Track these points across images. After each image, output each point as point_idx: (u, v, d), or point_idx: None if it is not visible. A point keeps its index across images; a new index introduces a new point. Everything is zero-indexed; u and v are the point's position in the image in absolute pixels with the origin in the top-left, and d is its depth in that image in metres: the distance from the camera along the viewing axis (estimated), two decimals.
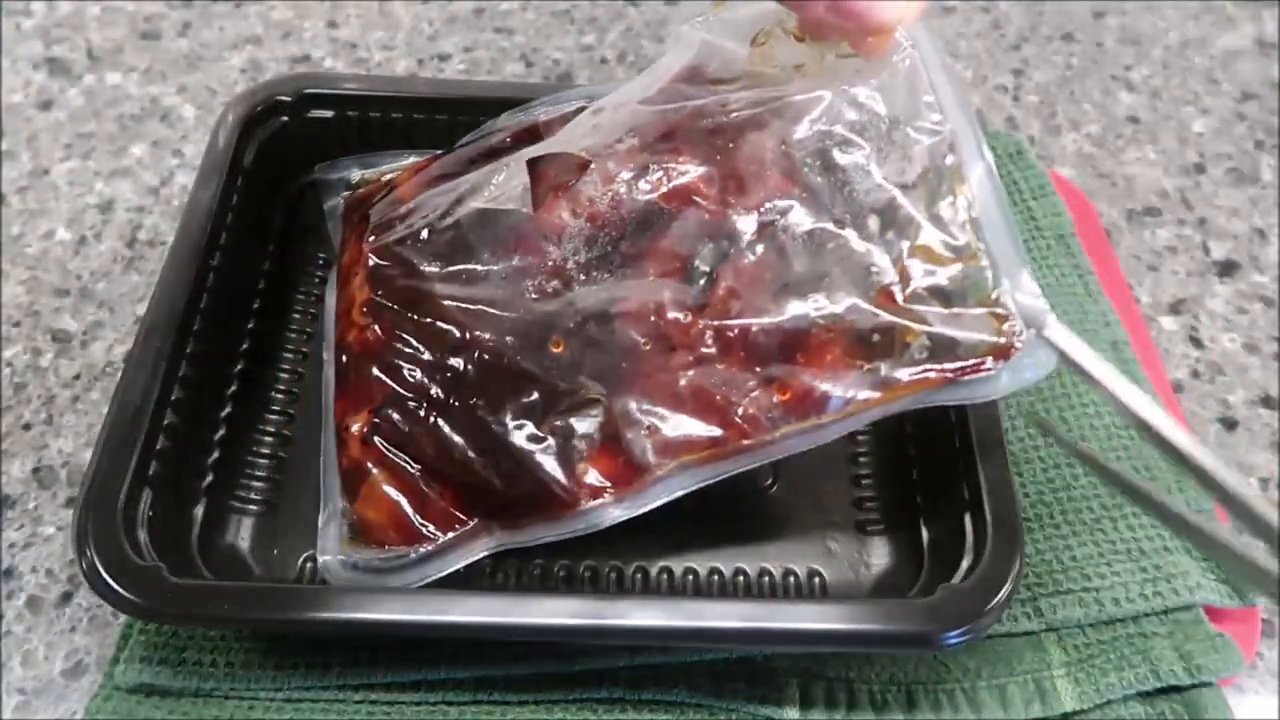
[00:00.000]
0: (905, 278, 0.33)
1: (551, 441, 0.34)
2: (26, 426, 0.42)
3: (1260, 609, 0.38)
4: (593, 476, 0.34)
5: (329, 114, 0.44)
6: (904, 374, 0.33)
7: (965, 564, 0.33)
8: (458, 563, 0.34)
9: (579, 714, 0.35)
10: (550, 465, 0.33)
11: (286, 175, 0.46)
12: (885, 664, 0.36)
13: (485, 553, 0.35)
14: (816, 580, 0.38)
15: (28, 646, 0.37)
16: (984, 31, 0.60)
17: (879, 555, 0.38)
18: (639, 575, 0.38)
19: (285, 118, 0.44)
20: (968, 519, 0.34)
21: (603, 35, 0.59)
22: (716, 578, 0.38)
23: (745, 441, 0.33)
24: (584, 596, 0.33)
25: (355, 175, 0.42)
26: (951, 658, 0.36)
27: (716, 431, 0.33)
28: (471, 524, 0.34)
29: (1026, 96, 0.57)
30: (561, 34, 0.59)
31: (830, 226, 0.33)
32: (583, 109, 0.38)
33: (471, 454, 0.34)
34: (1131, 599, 0.37)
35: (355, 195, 0.41)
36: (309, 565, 0.37)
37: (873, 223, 0.33)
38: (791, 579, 0.38)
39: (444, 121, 0.44)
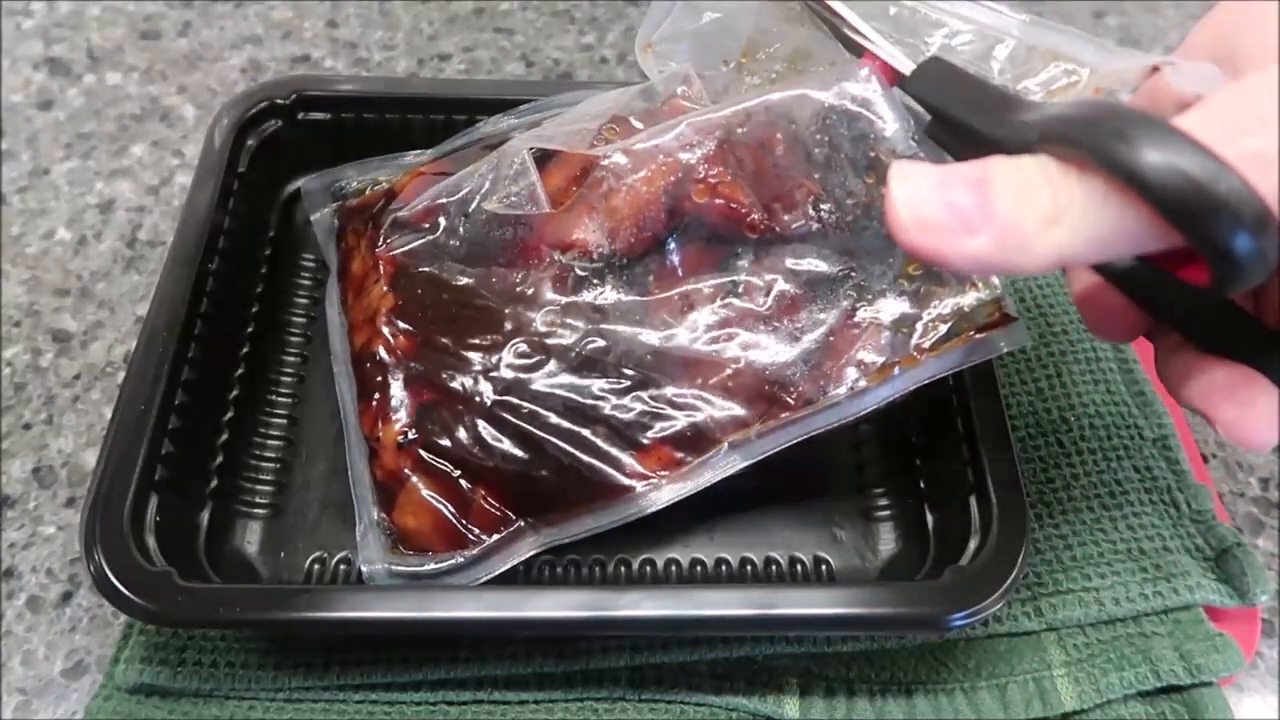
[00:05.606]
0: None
1: (601, 432, 0.34)
2: (27, 426, 0.42)
3: (1260, 609, 0.38)
4: (644, 463, 0.34)
5: (324, 116, 0.44)
6: (928, 339, 0.33)
7: (972, 546, 0.33)
8: (505, 563, 0.35)
9: (579, 714, 0.35)
10: (601, 455, 0.34)
11: (283, 177, 0.45)
12: (885, 663, 0.36)
13: (532, 551, 0.35)
14: (824, 568, 0.38)
15: (28, 646, 0.37)
16: None
17: (885, 541, 0.38)
18: (646, 568, 0.38)
19: (280, 120, 0.44)
20: (973, 501, 0.34)
21: (603, 35, 0.59)
22: (724, 568, 0.38)
23: (788, 415, 0.33)
24: (593, 589, 0.33)
25: (348, 184, 0.42)
26: (951, 657, 0.36)
27: (761, 409, 0.33)
28: (517, 524, 0.35)
29: None
30: (561, 34, 0.59)
31: (852, 207, 0.33)
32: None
33: (518, 452, 0.34)
34: (1131, 599, 0.37)
35: (350, 205, 0.41)
36: (316, 567, 0.37)
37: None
38: (798, 567, 0.38)
39: (440, 122, 0.44)
